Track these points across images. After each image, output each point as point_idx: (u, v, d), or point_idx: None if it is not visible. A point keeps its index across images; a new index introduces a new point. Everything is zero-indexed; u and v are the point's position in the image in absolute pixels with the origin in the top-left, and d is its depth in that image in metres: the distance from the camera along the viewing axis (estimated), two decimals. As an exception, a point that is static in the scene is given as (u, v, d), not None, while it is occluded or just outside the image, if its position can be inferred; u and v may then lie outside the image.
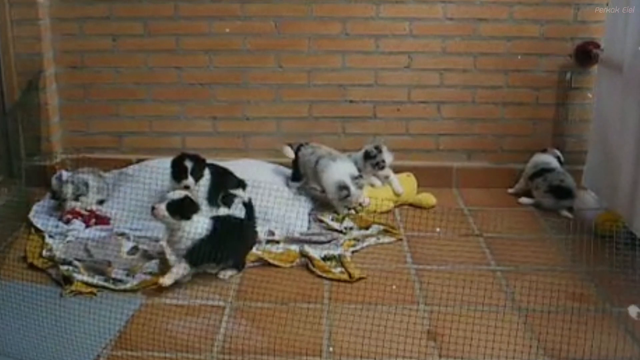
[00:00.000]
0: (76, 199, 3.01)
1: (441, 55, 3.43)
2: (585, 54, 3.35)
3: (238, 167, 3.27)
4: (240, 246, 2.59)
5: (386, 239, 2.90)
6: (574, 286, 2.46)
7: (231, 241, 2.50)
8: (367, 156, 3.22)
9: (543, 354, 2.04)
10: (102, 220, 2.97)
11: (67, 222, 2.93)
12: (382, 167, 3.21)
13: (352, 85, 3.49)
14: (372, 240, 2.88)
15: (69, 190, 3.02)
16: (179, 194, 2.50)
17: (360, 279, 2.52)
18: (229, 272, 2.55)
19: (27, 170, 3.32)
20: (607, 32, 3.22)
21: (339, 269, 2.59)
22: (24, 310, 2.22)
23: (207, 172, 2.93)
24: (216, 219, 2.54)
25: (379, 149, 3.21)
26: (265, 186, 2.86)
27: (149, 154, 3.53)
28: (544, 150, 3.39)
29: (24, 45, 3.32)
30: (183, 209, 2.44)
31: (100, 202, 3.13)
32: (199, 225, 2.44)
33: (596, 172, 3.28)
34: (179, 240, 2.43)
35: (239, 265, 2.59)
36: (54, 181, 3.28)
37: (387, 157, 3.23)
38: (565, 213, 3.15)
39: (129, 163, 3.44)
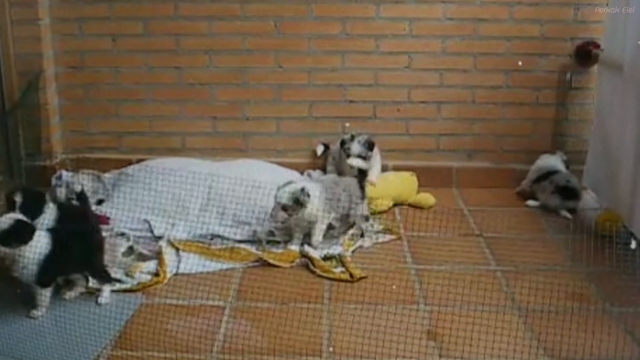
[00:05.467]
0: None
1: (441, 55, 3.43)
2: (585, 54, 3.35)
3: (238, 167, 3.28)
4: (89, 253, 2.33)
5: (385, 237, 2.90)
6: (574, 286, 2.46)
7: (78, 249, 2.26)
8: (342, 144, 3.26)
9: (543, 354, 2.04)
10: (101, 219, 2.97)
11: None
12: (349, 155, 3.18)
13: (352, 85, 3.49)
14: (371, 237, 2.88)
15: (62, 193, 3.03)
16: (7, 219, 2.18)
17: (361, 278, 2.52)
18: (105, 294, 2.33)
19: (27, 170, 3.32)
20: (607, 32, 3.22)
21: (339, 269, 2.59)
22: (24, 311, 2.22)
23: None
24: (53, 231, 2.29)
25: (352, 138, 3.23)
26: (265, 186, 2.86)
27: (149, 154, 3.53)
28: (552, 152, 3.38)
29: (24, 45, 3.32)
30: (19, 234, 2.16)
31: (99, 202, 3.12)
32: (39, 244, 2.18)
33: (596, 172, 3.28)
34: (23, 267, 2.17)
35: (103, 276, 2.36)
36: (54, 181, 3.28)
37: (357, 147, 3.19)
38: (565, 213, 3.15)
39: (129, 163, 3.44)
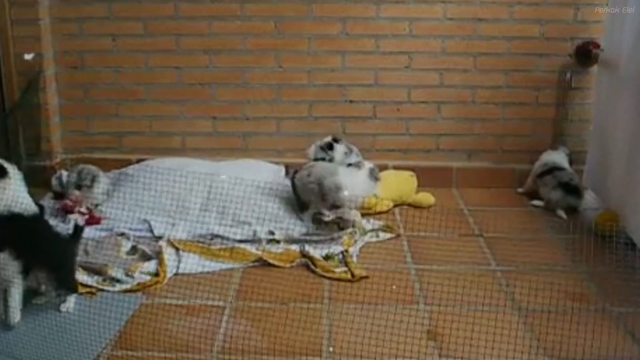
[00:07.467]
0: (78, 187, 3.01)
1: (441, 55, 3.43)
2: (585, 54, 3.35)
3: (238, 167, 3.28)
4: (65, 261, 2.23)
5: (386, 236, 2.91)
6: (574, 286, 2.46)
7: (55, 249, 2.16)
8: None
9: (543, 354, 2.04)
10: (94, 219, 2.96)
11: (67, 213, 2.95)
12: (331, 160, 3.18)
13: (352, 85, 3.49)
14: (370, 236, 2.89)
15: (72, 178, 3.05)
16: None
17: (362, 278, 2.52)
18: (70, 304, 2.24)
19: (27, 170, 3.31)
20: (607, 32, 3.22)
21: (340, 269, 2.59)
22: (24, 311, 2.22)
23: None
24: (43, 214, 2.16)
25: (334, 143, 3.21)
26: (265, 186, 2.86)
27: (149, 154, 3.53)
28: (555, 148, 3.38)
29: (24, 45, 3.32)
30: None
31: (95, 205, 3.09)
32: (12, 195, 2.01)
33: (596, 171, 3.28)
34: None
35: (69, 285, 2.25)
36: (54, 181, 3.28)
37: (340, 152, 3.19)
38: (560, 212, 3.14)
39: (129, 163, 3.44)
